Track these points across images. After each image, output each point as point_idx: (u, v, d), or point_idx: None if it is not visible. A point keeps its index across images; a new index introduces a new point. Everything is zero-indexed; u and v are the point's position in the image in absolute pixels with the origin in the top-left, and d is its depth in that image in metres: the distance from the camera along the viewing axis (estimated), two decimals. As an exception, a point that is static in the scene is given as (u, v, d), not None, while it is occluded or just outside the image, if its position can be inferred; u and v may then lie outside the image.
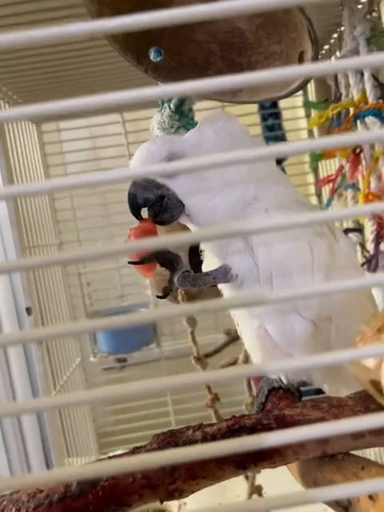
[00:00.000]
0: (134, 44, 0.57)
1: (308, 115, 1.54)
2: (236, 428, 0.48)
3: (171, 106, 0.77)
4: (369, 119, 0.95)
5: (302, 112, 1.58)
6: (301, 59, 0.50)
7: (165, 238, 0.32)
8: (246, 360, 0.83)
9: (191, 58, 0.60)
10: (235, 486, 1.03)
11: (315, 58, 0.46)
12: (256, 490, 0.87)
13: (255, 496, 0.87)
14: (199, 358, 0.85)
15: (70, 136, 1.68)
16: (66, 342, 1.53)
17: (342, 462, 0.46)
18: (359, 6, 1.04)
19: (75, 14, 0.64)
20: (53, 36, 0.30)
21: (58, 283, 1.55)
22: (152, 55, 0.57)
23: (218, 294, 0.96)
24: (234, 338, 1.53)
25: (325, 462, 0.47)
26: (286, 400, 0.65)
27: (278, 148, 0.32)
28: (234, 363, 1.42)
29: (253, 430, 0.47)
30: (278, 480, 0.87)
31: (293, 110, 1.63)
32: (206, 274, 0.62)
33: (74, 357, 1.60)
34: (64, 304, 1.60)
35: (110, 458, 0.53)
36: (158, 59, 0.57)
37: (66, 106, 0.29)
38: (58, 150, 1.71)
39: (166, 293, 0.65)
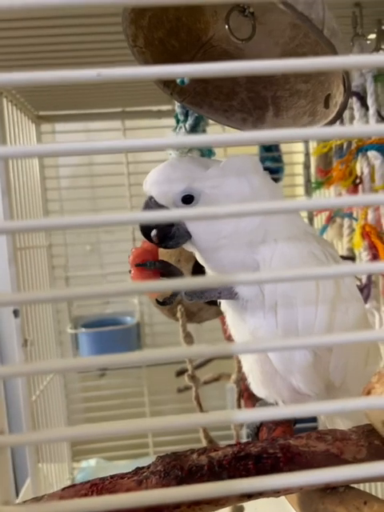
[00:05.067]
0: (163, 67, 0.58)
1: (306, 140, 1.57)
2: (242, 455, 0.49)
3: (187, 126, 0.78)
4: (371, 153, 0.98)
5: (299, 136, 1.61)
6: (326, 101, 0.52)
7: (179, 281, 0.33)
8: (240, 381, 0.84)
9: (217, 87, 0.61)
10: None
11: (345, 104, 0.48)
12: (238, 510, 0.88)
13: (237, 516, 0.88)
14: (193, 375, 0.86)
15: (66, 138, 1.67)
16: (48, 348, 1.52)
17: (343, 495, 0.47)
18: (368, 42, 1.08)
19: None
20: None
21: (44, 286, 1.53)
22: (178, 80, 0.58)
23: (217, 313, 0.97)
24: (218, 353, 1.53)
25: (327, 493, 0.48)
26: (282, 426, 0.66)
27: (289, 203, 0.34)
28: (217, 379, 1.43)
29: (259, 458, 0.48)
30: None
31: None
32: (213, 288, 0.62)
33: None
34: (48, 307, 1.59)
35: (111, 477, 0.52)
36: (184, 84, 0.58)
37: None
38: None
39: (166, 302, 0.65)
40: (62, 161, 1.80)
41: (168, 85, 0.59)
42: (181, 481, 0.48)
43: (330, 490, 0.48)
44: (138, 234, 1.71)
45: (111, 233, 1.93)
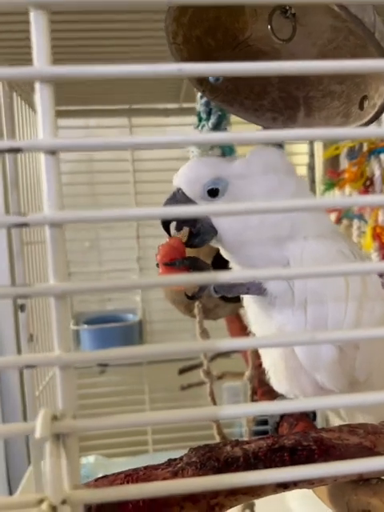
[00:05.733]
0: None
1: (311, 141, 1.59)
2: (276, 447, 0.50)
3: (210, 124, 0.79)
4: (384, 156, 1.00)
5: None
6: (361, 103, 0.53)
7: (202, 276, 0.34)
8: (253, 378, 0.85)
9: (248, 85, 0.62)
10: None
11: (385, 105, 0.49)
12: (249, 505, 0.89)
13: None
14: (208, 372, 0.87)
15: (70, 135, 1.67)
16: (49, 344, 1.51)
17: (376, 487, 0.48)
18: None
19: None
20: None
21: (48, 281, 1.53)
22: (212, 78, 0.59)
23: (233, 310, 0.98)
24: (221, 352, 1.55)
25: (359, 485, 0.49)
26: (303, 422, 0.67)
27: (316, 201, 0.35)
28: (221, 377, 1.44)
29: (294, 450, 0.49)
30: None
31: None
32: (241, 283, 0.62)
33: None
34: (52, 302, 1.58)
35: (145, 468, 0.53)
36: (217, 82, 0.59)
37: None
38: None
39: (195, 296, 0.65)
40: (62, 156, 1.78)
41: (201, 82, 0.60)
42: (217, 472, 0.48)
43: (362, 482, 0.49)
44: (142, 232, 1.72)
45: (110, 229, 1.93)
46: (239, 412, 0.34)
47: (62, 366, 0.30)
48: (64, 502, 0.29)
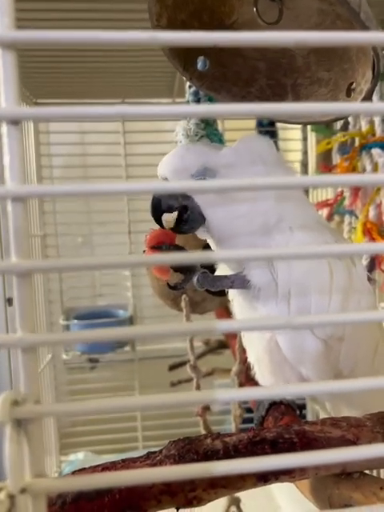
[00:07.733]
0: (183, 51, 0.57)
1: (305, 138, 1.58)
2: (258, 440, 0.48)
3: (198, 114, 0.78)
4: (375, 151, 0.99)
5: (298, 134, 1.62)
6: (348, 90, 0.52)
7: (186, 255, 0.33)
8: (240, 373, 0.84)
9: (236, 72, 0.61)
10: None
11: (373, 90, 0.48)
12: (234, 501, 0.88)
13: (233, 508, 0.88)
14: (195, 366, 0.85)
15: (58, 127, 1.65)
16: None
17: (358, 481, 0.47)
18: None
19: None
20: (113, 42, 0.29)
21: (37, 275, 1.51)
22: (199, 64, 0.57)
23: (221, 303, 0.97)
24: (211, 348, 1.54)
25: (341, 479, 0.48)
26: (288, 416, 0.66)
27: (305, 179, 0.34)
28: (210, 373, 1.43)
29: (275, 443, 0.48)
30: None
31: (290, 130, 1.67)
32: (225, 276, 0.61)
33: (45, 352, 1.56)
34: (41, 297, 1.56)
35: (123, 461, 0.52)
36: (204, 69, 0.58)
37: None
38: (46, 140, 1.68)
39: (177, 286, 0.64)
40: (55, 150, 1.77)
41: (187, 69, 0.59)
42: (196, 464, 0.47)
43: (344, 476, 0.48)
44: (134, 227, 1.70)
45: (103, 225, 1.91)
46: (234, 396, 0.33)
47: (24, 349, 0.28)
48: (24, 490, 0.27)
